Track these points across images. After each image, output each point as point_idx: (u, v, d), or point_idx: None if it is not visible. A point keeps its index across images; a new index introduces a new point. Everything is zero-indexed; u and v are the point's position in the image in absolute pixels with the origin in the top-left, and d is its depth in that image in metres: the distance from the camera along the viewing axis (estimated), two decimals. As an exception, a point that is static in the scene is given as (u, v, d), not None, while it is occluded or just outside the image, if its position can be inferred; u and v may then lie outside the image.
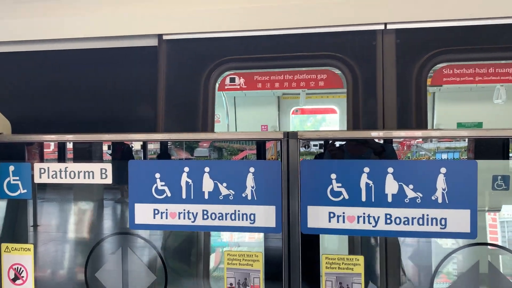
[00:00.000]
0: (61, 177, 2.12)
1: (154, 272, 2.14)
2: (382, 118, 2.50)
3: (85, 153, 2.25)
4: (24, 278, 2.19)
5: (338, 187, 1.84)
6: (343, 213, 1.84)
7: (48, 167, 2.13)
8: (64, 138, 2.20)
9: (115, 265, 2.14)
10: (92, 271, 2.18)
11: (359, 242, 2.06)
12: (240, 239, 2.90)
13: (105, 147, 2.24)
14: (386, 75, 2.51)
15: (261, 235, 1.99)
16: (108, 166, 2.08)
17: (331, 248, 2.07)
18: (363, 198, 1.82)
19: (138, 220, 2.02)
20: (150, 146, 2.33)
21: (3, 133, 2.30)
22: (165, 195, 2.00)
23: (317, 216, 1.85)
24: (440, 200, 1.77)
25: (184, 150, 3.01)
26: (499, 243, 2.14)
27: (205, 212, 1.95)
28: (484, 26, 2.43)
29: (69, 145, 2.24)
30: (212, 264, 2.51)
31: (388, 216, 1.80)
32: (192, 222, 1.97)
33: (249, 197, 1.91)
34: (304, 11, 2.55)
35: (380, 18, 2.50)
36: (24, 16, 2.87)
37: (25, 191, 2.17)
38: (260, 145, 1.94)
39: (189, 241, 2.48)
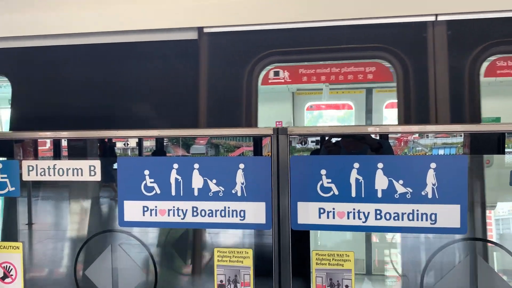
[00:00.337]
0: (49, 175, 2.10)
1: (145, 270, 2.13)
2: (435, 112, 2.45)
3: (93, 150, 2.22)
4: (13, 277, 2.17)
5: (328, 182, 1.83)
6: (333, 209, 1.83)
7: (37, 165, 2.11)
8: (57, 135, 2.18)
9: (105, 262, 2.13)
10: (83, 269, 2.17)
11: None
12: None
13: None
14: (438, 67, 2.46)
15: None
16: (97, 163, 2.06)
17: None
18: (353, 194, 1.81)
19: (127, 217, 2.00)
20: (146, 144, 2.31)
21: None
22: (154, 192, 1.98)
23: (307, 212, 1.84)
24: (430, 195, 1.76)
25: (181, 147, 2.97)
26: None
27: (194, 209, 1.94)
28: None
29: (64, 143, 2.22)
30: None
31: (378, 212, 1.79)
32: (182, 219, 1.96)
33: (239, 194, 1.90)
34: (352, 2, 2.49)
35: (431, 9, 2.44)
36: (62, 10, 2.78)
37: (13, 188, 2.15)
38: (257, 142, 1.92)
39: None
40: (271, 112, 5.79)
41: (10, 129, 2.79)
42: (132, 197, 2.00)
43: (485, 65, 2.53)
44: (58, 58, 2.83)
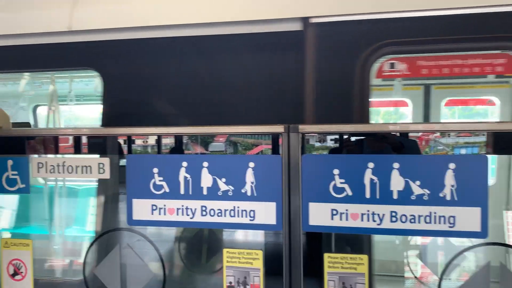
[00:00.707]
0: (58, 172, 2.09)
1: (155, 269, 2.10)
2: None
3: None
4: (23, 274, 2.16)
5: (341, 183, 1.76)
6: (346, 210, 1.76)
7: (46, 162, 2.10)
8: (62, 132, 2.17)
9: (114, 261, 2.10)
10: (91, 267, 2.15)
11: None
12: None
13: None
14: None
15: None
16: (106, 161, 2.04)
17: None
18: (367, 195, 1.74)
19: (136, 216, 1.97)
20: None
21: (2, 126, 2.27)
22: (163, 190, 1.94)
23: (319, 213, 1.78)
24: (448, 197, 1.68)
25: (199, 144, 2.88)
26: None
27: (203, 208, 1.89)
28: None
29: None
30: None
31: (393, 214, 1.72)
32: (191, 218, 1.92)
33: (249, 193, 1.85)
34: None
35: None
36: (159, 1, 2.58)
37: (24, 185, 2.14)
38: (275, 140, 1.86)
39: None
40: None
41: (102, 125, 2.65)
42: (141, 195, 1.96)
43: None
44: (155, 51, 2.63)
